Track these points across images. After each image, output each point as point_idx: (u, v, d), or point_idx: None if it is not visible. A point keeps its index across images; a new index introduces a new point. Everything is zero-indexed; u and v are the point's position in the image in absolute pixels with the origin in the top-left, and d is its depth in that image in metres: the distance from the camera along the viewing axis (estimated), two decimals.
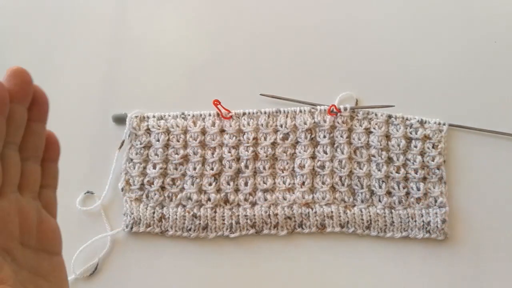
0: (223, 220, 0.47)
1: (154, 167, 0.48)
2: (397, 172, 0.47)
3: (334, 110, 0.48)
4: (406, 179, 0.47)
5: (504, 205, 0.47)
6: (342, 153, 0.47)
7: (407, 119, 0.48)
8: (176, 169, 0.48)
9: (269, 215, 0.47)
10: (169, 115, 0.49)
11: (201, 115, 0.49)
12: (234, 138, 0.48)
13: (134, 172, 0.48)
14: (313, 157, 0.48)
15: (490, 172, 0.48)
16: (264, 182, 0.47)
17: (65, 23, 0.56)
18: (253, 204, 0.47)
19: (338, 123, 0.48)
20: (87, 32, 0.56)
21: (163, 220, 0.47)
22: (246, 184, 0.47)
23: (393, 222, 0.46)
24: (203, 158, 0.48)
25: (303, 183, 0.47)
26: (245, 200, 0.47)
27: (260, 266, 0.46)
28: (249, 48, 0.54)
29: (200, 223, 0.47)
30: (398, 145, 0.47)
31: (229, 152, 0.48)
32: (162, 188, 0.48)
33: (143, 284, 0.46)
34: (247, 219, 0.47)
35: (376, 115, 0.48)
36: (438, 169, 0.47)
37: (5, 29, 0.56)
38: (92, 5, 0.57)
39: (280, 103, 0.51)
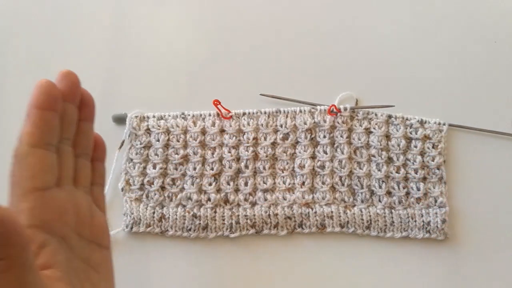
0: (223, 220, 0.47)
1: (154, 167, 0.48)
2: (397, 172, 0.47)
3: (334, 110, 0.48)
4: (406, 179, 0.47)
5: (504, 205, 0.47)
6: (342, 153, 0.47)
7: (407, 119, 0.48)
8: (176, 169, 0.48)
9: (269, 215, 0.47)
10: (169, 115, 0.49)
11: (201, 115, 0.49)
12: (234, 138, 0.48)
13: (134, 172, 0.48)
14: (313, 157, 0.48)
15: (490, 172, 0.48)
16: (264, 182, 0.48)
17: (64, 23, 0.56)
18: (253, 204, 0.47)
19: (338, 123, 0.48)
20: (87, 32, 0.56)
21: (163, 220, 0.47)
22: (246, 184, 0.47)
23: (393, 222, 0.46)
24: (203, 158, 0.48)
25: (303, 183, 0.47)
26: (245, 200, 0.47)
27: (260, 266, 0.46)
28: (249, 48, 0.54)
29: (200, 223, 0.47)
30: (398, 145, 0.47)
31: (229, 152, 0.48)
32: (162, 188, 0.48)
33: (143, 284, 0.46)
34: (247, 219, 0.47)
35: (376, 115, 0.48)
36: (438, 169, 0.47)
37: (5, 29, 0.56)
38: (92, 5, 0.57)
39: (280, 103, 0.51)
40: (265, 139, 0.48)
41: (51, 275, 0.26)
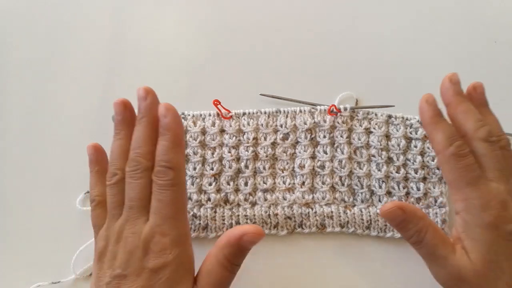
0: (223, 220, 0.47)
1: None
2: (397, 172, 0.47)
3: (334, 110, 0.48)
4: (406, 179, 0.47)
5: None
6: (342, 153, 0.47)
7: (407, 119, 0.48)
8: None
9: (269, 215, 0.47)
10: None
11: (201, 115, 0.49)
12: (234, 138, 0.48)
13: None
14: (313, 157, 0.48)
15: None
16: (264, 182, 0.48)
17: (65, 23, 0.56)
18: (253, 204, 0.47)
19: (338, 123, 0.48)
20: (87, 32, 0.56)
21: None
22: (246, 184, 0.47)
23: None
24: (203, 158, 0.48)
25: (303, 183, 0.47)
26: (245, 200, 0.47)
27: (260, 266, 0.46)
28: (249, 48, 0.54)
29: (200, 223, 0.47)
30: (398, 145, 0.47)
31: (229, 152, 0.48)
32: None
33: None
34: (247, 219, 0.47)
35: (376, 115, 0.48)
36: (438, 169, 0.47)
37: (5, 29, 0.56)
38: (92, 4, 0.57)
39: (280, 103, 0.51)
40: (265, 139, 0.48)
41: None
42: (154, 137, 0.36)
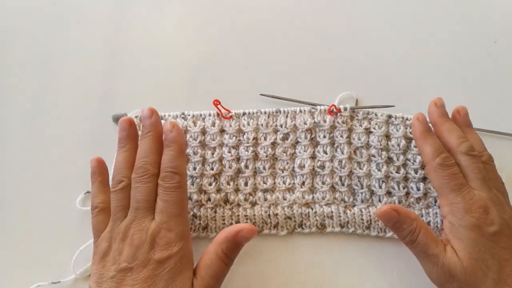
0: (223, 220, 0.47)
1: None
2: (397, 172, 0.47)
3: (334, 110, 0.48)
4: (406, 179, 0.47)
5: None
6: (342, 153, 0.47)
7: (407, 119, 0.48)
8: None
9: (269, 215, 0.47)
10: (169, 115, 0.49)
11: (201, 115, 0.49)
12: (234, 138, 0.48)
13: None
14: (313, 157, 0.48)
15: None
16: (264, 182, 0.48)
17: (64, 23, 0.56)
18: (253, 204, 0.47)
19: (338, 123, 0.48)
20: (87, 32, 0.56)
21: None
22: (246, 184, 0.47)
23: None
24: (203, 158, 0.48)
25: (303, 183, 0.47)
26: (245, 200, 0.47)
27: (260, 266, 0.46)
28: (249, 48, 0.54)
29: (200, 223, 0.47)
30: (398, 145, 0.47)
31: (229, 152, 0.48)
32: None
33: None
34: (247, 219, 0.47)
35: (376, 115, 0.48)
36: None
37: (5, 29, 0.56)
38: (92, 4, 0.57)
39: (280, 103, 0.51)
40: (265, 139, 0.48)
41: None
42: (158, 149, 0.41)
